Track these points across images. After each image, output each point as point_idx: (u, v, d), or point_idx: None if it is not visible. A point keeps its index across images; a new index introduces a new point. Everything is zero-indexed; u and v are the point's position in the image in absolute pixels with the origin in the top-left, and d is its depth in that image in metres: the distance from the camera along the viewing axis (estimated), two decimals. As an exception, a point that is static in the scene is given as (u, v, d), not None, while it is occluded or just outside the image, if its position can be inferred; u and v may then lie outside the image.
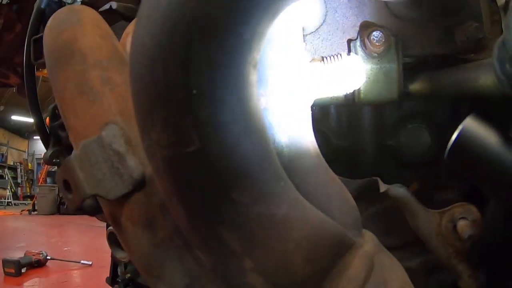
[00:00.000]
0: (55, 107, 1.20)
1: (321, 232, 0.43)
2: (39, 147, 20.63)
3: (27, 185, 19.15)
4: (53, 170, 15.35)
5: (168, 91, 0.31)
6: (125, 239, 0.49)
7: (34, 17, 1.27)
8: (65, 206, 12.43)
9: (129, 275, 1.50)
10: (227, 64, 0.32)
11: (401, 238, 0.75)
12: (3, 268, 4.32)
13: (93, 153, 0.49)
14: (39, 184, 15.26)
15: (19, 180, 18.89)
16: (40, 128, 1.36)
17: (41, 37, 1.32)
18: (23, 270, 4.41)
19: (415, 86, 0.81)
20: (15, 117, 17.50)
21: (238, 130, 0.33)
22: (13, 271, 4.30)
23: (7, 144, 18.95)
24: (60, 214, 12.28)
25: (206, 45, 0.31)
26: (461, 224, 0.62)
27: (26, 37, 1.29)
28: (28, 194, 18.18)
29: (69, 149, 1.08)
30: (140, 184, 0.47)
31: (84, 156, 0.49)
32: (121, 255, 1.11)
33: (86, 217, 11.10)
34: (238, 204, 0.33)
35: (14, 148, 20.00)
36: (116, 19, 1.16)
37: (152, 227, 0.47)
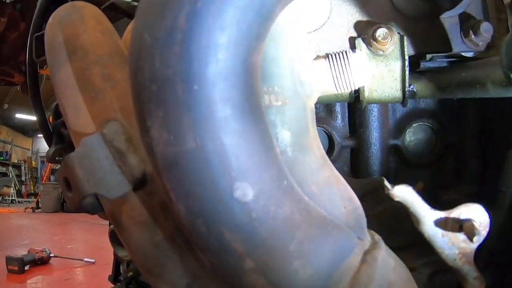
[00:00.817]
0: (58, 105, 1.20)
1: (324, 233, 0.42)
2: (43, 145, 20.70)
3: (31, 183, 19.23)
4: (56, 168, 15.40)
5: (167, 87, 0.31)
6: (125, 238, 0.49)
7: (37, 14, 1.27)
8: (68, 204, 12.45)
9: (131, 273, 1.50)
10: (229, 60, 0.31)
11: (406, 238, 0.74)
12: (7, 265, 4.36)
13: (94, 150, 0.48)
14: (43, 182, 15.31)
15: (23, 178, 18.98)
16: (43, 126, 1.36)
17: (43, 35, 1.31)
18: (26, 268, 4.45)
19: (420, 85, 0.80)
20: (19, 115, 17.57)
21: (239, 128, 0.32)
22: (16, 268, 4.33)
23: (11, 142, 19.04)
24: (63, 211, 12.32)
25: (206, 39, 0.30)
26: (468, 225, 0.60)
27: (29, 35, 1.29)
28: (32, 192, 18.25)
29: (72, 147, 1.08)
30: (141, 183, 0.47)
31: (85, 153, 0.48)
32: (123, 253, 1.10)
33: (89, 215, 11.15)
34: (240, 204, 0.33)
35: (18, 146, 20.09)
36: (119, 16, 1.15)
37: (153, 226, 0.46)
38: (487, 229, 0.61)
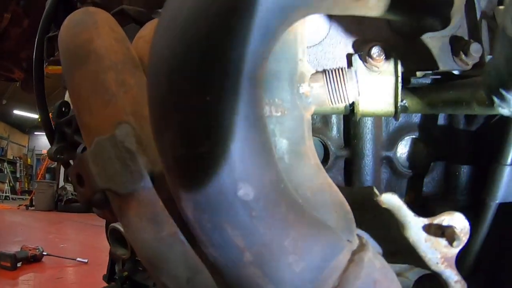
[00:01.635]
0: (62, 104, 1.22)
1: (316, 233, 0.46)
2: (39, 143, 20.67)
3: (26, 180, 19.17)
4: (52, 166, 15.33)
5: (183, 97, 0.35)
6: (132, 233, 0.52)
7: (45, 15, 1.30)
8: (62, 203, 12.42)
9: (126, 273, 1.51)
10: (238, 74, 0.35)
11: (392, 245, 0.78)
12: (-1, 262, 4.37)
13: (106, 149, 0.52)
14: (38, 179, 15.26)
15: (17, 175, 18.91)
16: (45, 124, 1.38)
17: (55, 36, 1.35)
18: (19, 264, 4.45)
19: (412, 100, 0.85)
20: (17, 112, 17.53)
21: (244, 136, 0.36)
22: (9, 264, 4.34)
23: (7, 138, 18.98)
24: (57, 211, 12.27)
25: (220, 56, 0.34)
26: (449, 231, 0.64)
27: (37, 35, 1.32)
28: (26, 189, 18.20)
29: (74, 146, 1.11)
30: (148, 182, 0.51)
31: (98, 152, 0.52)
32: (121, 252, 1.13)
33: (83, 215, 11.14)
34: (242, 202, 0.37)
35: (14, 143, 20.03)
36: (127, 21, 1.19)
37: (158, 222, 0.50)
38: (468, 236, 0.65)
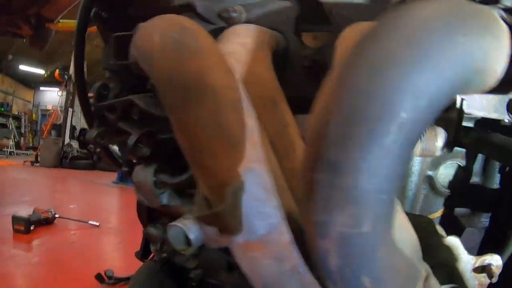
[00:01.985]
0: (102, 86, 1.21)
1: (410, 271, 0.58)
2: (45, 99, 20.58)
3: (30, 136, 19.19)
4: (58, 123, 15.18)
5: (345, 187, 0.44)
6: (252, 266, 0.60)
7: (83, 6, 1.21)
8: (68, 160, 12.47)
9: (165, 254, 1.52)
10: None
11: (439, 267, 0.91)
12: (13, 225, 4.34)
13: (239, 199, 0.57)
14: (44, 136, 15.20)
15: (22, 130, 18.92)
16: (85, 107, 1.35)
17: (125, 36, 1.30)
18: (32, 228, 4.42)
19: (466, 139, 0.94)
20: (23, 67, 17.36)
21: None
22: (22, 228, 4.30)
23: (13, 94, 18.88)
24: (62, 167, 12.39)
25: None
26: (488, 268, 0.81)
27: (76, 26, 1.26)
28: (31, 145, 18.25)
29: (117, 131, 1.06)
30: (275, 227, 0.59)
31: (233, 202, 0.56)
32: (183, 247, 1.21)
33: (87, 172, 11.25)
34: (378, 258, 0.48)
35: (19, 98, 19.96)
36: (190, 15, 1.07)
37: (281, 260, 0.58)
38: (500, 271, 0.81)
